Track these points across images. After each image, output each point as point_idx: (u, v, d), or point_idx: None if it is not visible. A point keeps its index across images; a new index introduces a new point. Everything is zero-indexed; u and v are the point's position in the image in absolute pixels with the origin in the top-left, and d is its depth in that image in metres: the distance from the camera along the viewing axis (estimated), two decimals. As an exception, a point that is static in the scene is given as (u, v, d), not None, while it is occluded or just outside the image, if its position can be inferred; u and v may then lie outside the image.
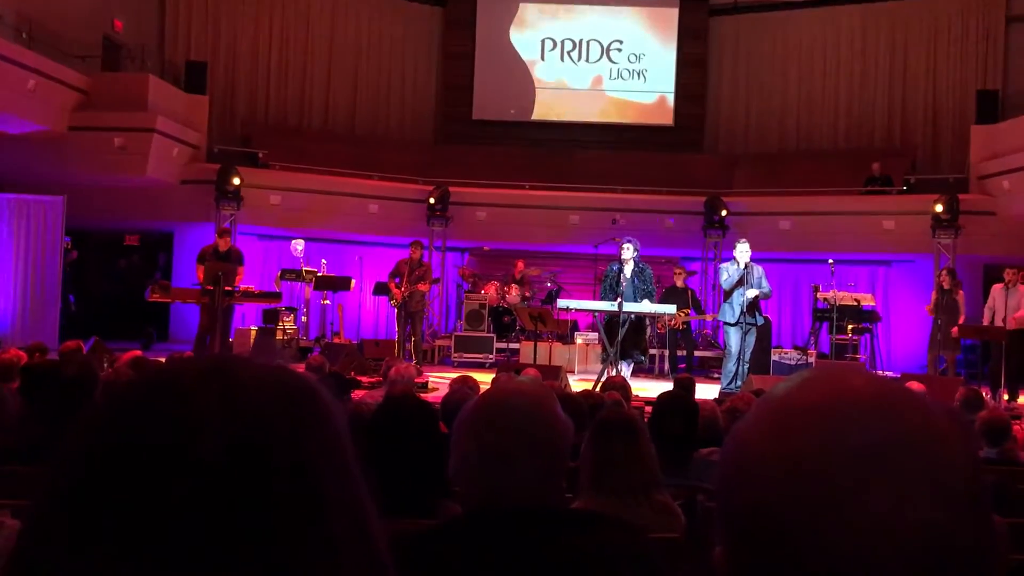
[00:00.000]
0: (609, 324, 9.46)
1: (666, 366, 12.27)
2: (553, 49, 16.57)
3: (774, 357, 11.73)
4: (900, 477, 0.60)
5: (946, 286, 10.83)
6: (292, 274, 12.33)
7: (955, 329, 10.54)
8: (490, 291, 13.25)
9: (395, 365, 4.92)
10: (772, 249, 12.87)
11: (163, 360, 0.81)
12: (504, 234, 14.21)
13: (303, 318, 12.68)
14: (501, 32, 16.53)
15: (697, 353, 12.81)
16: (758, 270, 9.39)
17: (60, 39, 12.20)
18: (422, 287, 11.22)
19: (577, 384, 9.52)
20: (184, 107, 13.60)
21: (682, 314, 11.78)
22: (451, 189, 13.87)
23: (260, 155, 14.28)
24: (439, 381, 9.15)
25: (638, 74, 16.53)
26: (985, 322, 10.31)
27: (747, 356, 9.34)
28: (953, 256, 12.44)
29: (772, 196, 14.09)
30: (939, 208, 12.55)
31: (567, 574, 1.36)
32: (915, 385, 5.97)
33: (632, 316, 9.33)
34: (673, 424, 3.47)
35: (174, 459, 0.57)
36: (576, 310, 10.75)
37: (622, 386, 6.08)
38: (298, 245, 12.91)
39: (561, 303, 10.17)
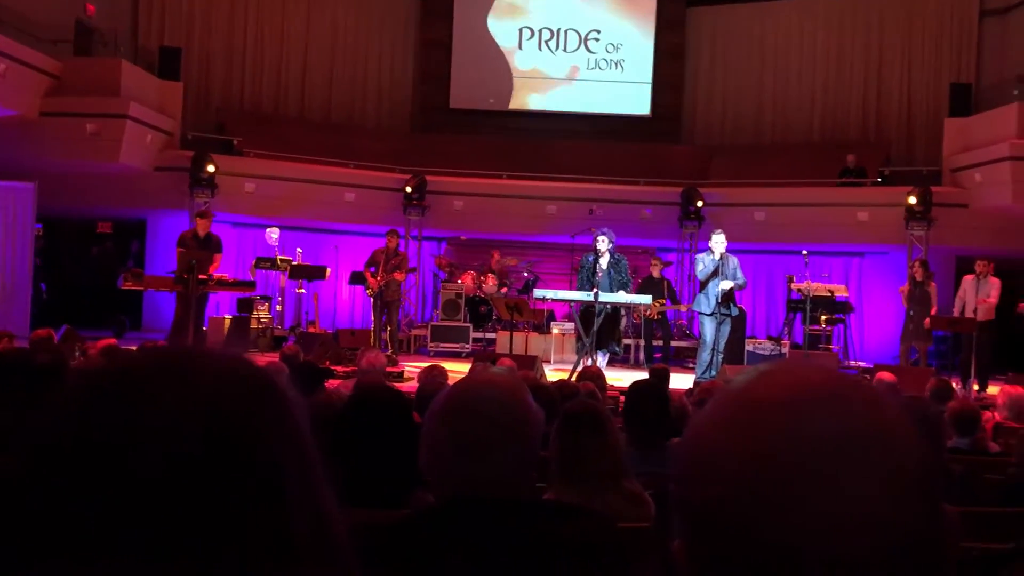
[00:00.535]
0: (585, 314, 9.49)
1: (641, 356, 12.33)
2: (531, 38, 16.54)
3: (748, 347, 11.82)
4: (854, 471, 0.60)
5: (919, 277, 10.94)
6: (267, 263, 12.26)
7: (927, 320, 10.65)
8: (467, 281, 13.24)
9: (367, 355, 4.90)
10: (747, 240, 12.94)
11: (134, 349, 0.80)
12: (481, 224, 14.19)
13: (278, 307, 12.61)
14: (479, 20, 16.47)
15: (673, 343, 12.88)
16: (733, 261, 9.45)
17: (31, 23, 12.01)
18: (398, 276, 11.19)
19: (553, 374, 9.55)
20: (158, 93, 13.45)
21: (657, 304, 11.83)
22: (428, 178, 13.83)
23: (235, 142, 14.16)
24: (415, 370, 9.14)
25: (616, 64, 16.53)
26: (955, 313, 10.42)
27: (721, 346, 9.41)
28: (926, 248, 12.57)
29: (747, 187, 14.16)
30: (912, 200, 12.67)
31: (537, 564, 1.37)
32: (887, 376, 6.04)
33: (608, 306, 9.36)
34: (646, 410, 3.49)
35: (131, 452, 0.56)
36: (552, 300, 10.79)
37: (597, 376, 6.11)
38: (273, 233, 12.83)
39: (537, 293, 10.18)
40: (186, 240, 10.11)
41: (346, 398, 2.90)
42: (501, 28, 16.51)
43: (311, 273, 12.31)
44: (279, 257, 12.33)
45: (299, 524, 0.60)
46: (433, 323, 12.90)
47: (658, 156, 15.33)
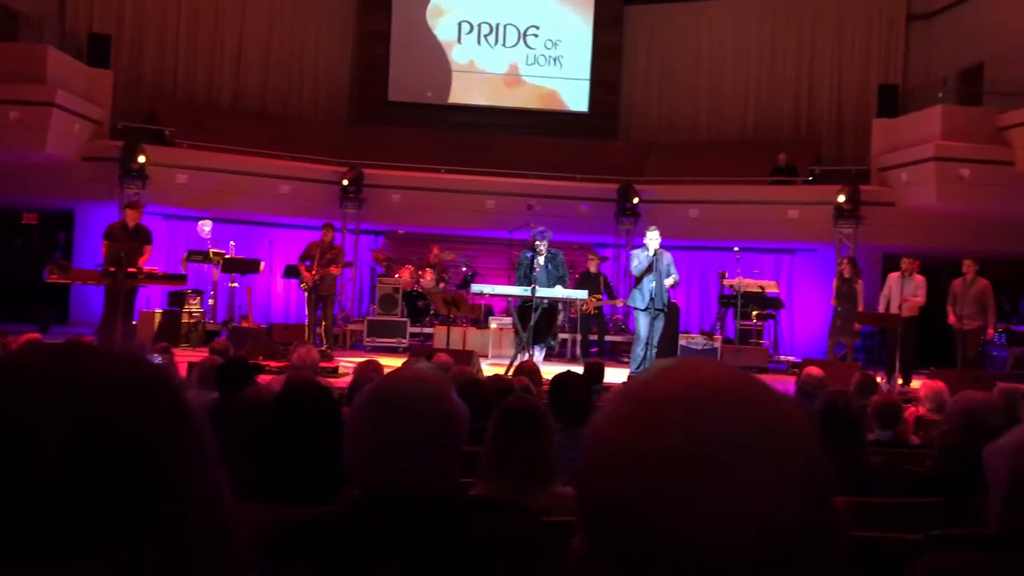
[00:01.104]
0: (522, 309, 9.53)
1: (578, 351, 12.42)
2: (470, 32, 16.50)
3: (681, 342, 11.99)
4: (747, 466, 0.61)
5: (846, 274, 11.20)
6: (199, 256, 12.03)
7: (857, 319, 10.92)
8: (404, 275, 13.16)
9: (299, 350, 4.84)
10: (682, 237, 13.11)
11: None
12: (419, 218, 14.13)
13: (210, 301, 12.39)
14: (417, 13, 16.38)
15: (608, 338, 12.99)
16: (667, 257, 9.56)
17: (-49, 6, 11.61)
18: (334, 270, 11.07)
19: (490, 369, 9.55)
20: (86, 81, 13.09)
21: (594, 299, 11.93)
22: (365, 171, 13.71)
23: (167, 132, 13.85)
24: (351, 366, 9.06)
25: (554, 60, 16.59)
26: (880, 309, 10.69)
27: (655, 341, 9.52)
28: (854, 245, 12.88)
29: (682, 184, 14.34)
30: (841, 199, 12.97)
31: (461, 559, 1.37)
32: (814, 370, 6.18)
33: (545, 301, 9.41)
34: (569, 390, 3.55)
35: (16, 445, 0.55)
36: (490, 295, 10.80)
37: (533, 371, 6.13)
38: (205, 226, 12.60)
39: (475, 288, 10.18)
40: (114, 232, 9.86)
41: (275, 394, 2.87)
42: (440, 21, 16.44)
43: (244, 267, 12.12)
44: (212, 250, 12.12)
45: (195, 524, 0.59)
46: (370, 318, 12.80)
47: (596, 152, 15.43)
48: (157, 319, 11.43)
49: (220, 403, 4.25)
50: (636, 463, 0.63)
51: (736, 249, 11.15)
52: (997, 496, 1.62)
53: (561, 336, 11.78)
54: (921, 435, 5.12)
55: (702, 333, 13.03)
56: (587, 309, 12.18)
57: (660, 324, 9.58)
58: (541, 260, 9.51)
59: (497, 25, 16.52)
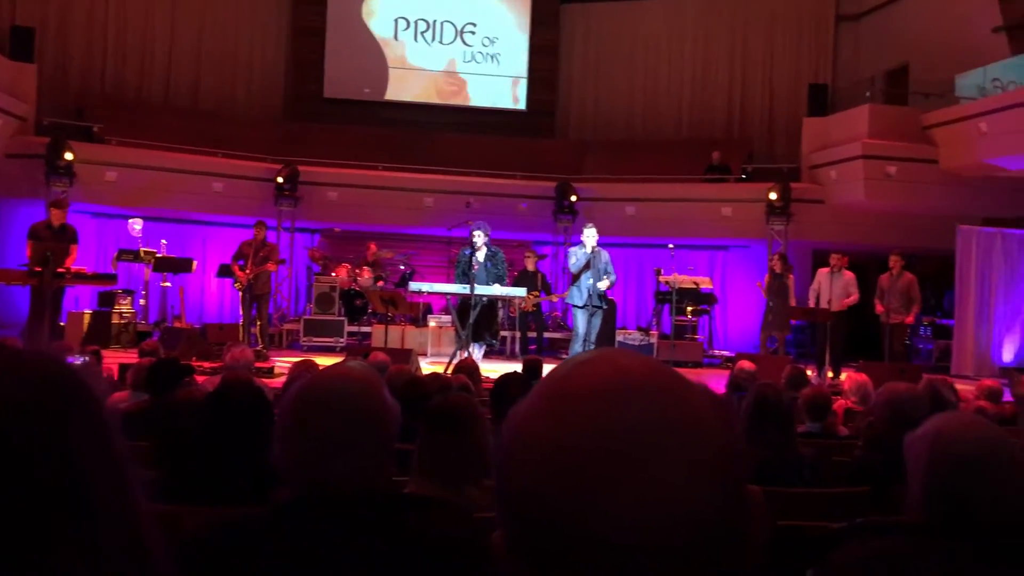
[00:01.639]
0: (461, 307, 9.52)
1: (517, 348, 12.45)
2: (407, 29, 16.41)
3: (619, 338, 12.11)
4: (660, 459, 0.62)
5: (778, 270, 11.42)
6: (130, 255, 11.76)
7: (788, 314, 11.15)
8: (342, 273, 13.04)
9: (232, 350, 4.76)
10: (618, 234, 13.24)
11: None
12: (356, 215, 14.00)
13: (142, 301, 12.11)
14: (353, 9, 16.23)
15: (547, 335, 13.04)
16: (604, 255, 9.65)
17: None
18: (268, 268, 10.93)
19: (429, 367, 9.52)
20: (9, 75, 12.67)
21: (532, 297, 11.97)
22: (301, 168, 13.55)
23: (95, 129, 13.50)
24: (287, 366, 8.96)
25: (492, 58, 16.59)
26: (811, 304, 10.92)
27: (593, 337, 9.61)
28: (785, 242, 13.15)
29: (618, 182, 14.47)
30: (773, 196, 13.23)
31: (390, 556, 1.37)
32: (747, 364, 6.31)
33: (484, 299, 9.41)
34: (509, 390, 3.55)
35: None
36: (429, 293, 10.76)
37: (472, 369, 6.15)
38: (136, 224, 12.31)
39: (414, 286, 10.13)
40: (38, 231, 9.60)
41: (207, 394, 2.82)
42: (376, 17, 16.32)
43: (177, 266, 11.89)
44: (143, 249, 11.85)
45: (105, 529, 0.58)
46: (306, 317, 12.65)
47: (533, 150, 15.48)
48: (86, 320, 11.14)
49: (152, 405, 4.18)
50: (549, 457, 0.63)
51: (671, 246, 11.30)
52: (916, 484, 1.67)
53: (501, 334, 11.80)
54: (850, 426, 5.25)
55: (639, 329, 13.18)
56: (525, 307, 12.23)
57: (598, 320, 9.66)
58: (480, 257, 9.51)
59: (434, 22, 16.46)
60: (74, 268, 9.64)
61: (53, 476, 0.57)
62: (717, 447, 0.64)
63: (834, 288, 10.72)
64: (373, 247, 13.42)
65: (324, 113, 15.84)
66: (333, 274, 13.06)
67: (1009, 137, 11.25)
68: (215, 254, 13.28)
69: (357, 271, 13.01)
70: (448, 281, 11.17)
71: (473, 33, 16.54)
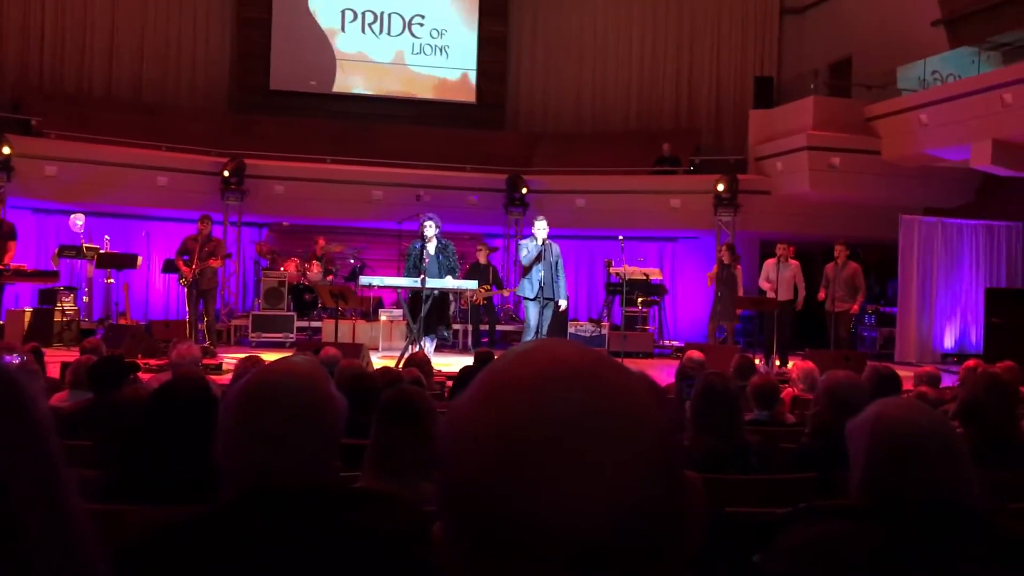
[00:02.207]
0: (413, 301, 9.48)
1: (469, 341, 12.45)
2: (354, 20, 16.26)
3: (571, 330, 12.17)
4: (596, 447, 0.62)
5: (726, 260, 11.57)
6: (71, 251, 11.51)
7: (736, 304, 11.30)
8: (290, 268, 12.90)
9: (178, 346, 4.69)
10: (569, 226, 13.29)
11: None
12: (304, 209, 13.85)
13: (85, 298, 11.86)
14: (299, 0, 16.04)
15: (499, 327, 13.06)
16: (556, 248, 9.66)
17: None
18: (214, 263, 10.76)
19: (380, 361, 9.47)
20: (-59, 67, 12.33)
21: (483, 290, 11.97)
22: (247, 161, 13.36)
23: (33, 122, 13.17)
24: (235, 362, 8.84)
25: (440, 50, 16.52)
26: (770, 295, 11.05)
27: (545, 329, 9.63)
28: (733, 232, 13.31)
29: (568, 175, 14.52)
30: (720, 187, 13.39)
31: (336, 552, 1.36)
32: (695, 354, 6.36)
33: (435, 292, 9.38)
34: (466, 383, 3.53)
35: None
36: (379, 287, 10.70)
37: (423, 362, 6.12)
38: (78, 220, 12.05)
39: (364, 280, 10.06)
40: (-28, 229, 9.35)
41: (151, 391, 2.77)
42: (323, 9, 16.14)
43: (120, 262, 11.66)
44: (85, 245, 11.60)
45: (34, 530, 0.56)
46: (254, 312, 12.50)
47: (483, 143, 15.46)
48: (27, 318, 10.88)
49: (95, 403, 4.09)
50: (486, 445, 0.63)
51: (621, 238, 11.36)
52: (857, 468, 1.71)
53: (453, 327, 11.78)
54: (797, 414, 5.33)
55: (590, 320, 13.25)
56: (477, 300, 12.22)
57: (549, 313, 9.68)
58: (431, 249, 9.47)
59: (382, 13, 16.33)
60: (13, 265, 9.41)
61: None
62: (653, 435, 0.65)
63: (781, 277, 10.89)
64: (322, 241, 13.29)
65: (270, 105, 15.64)
66: (281, 269, 12.91)
67: (948, 128, 11.52)
68: (160, 249, 13.05)
69: (306, 265, 12.88)
70: (399, 275, 11.11)
71: (421, 25, 16.45)
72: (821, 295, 11.06)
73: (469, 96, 16.58)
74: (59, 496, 0.60)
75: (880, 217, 12.78)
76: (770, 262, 11.19)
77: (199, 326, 10.78)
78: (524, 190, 13.99)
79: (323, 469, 1.45)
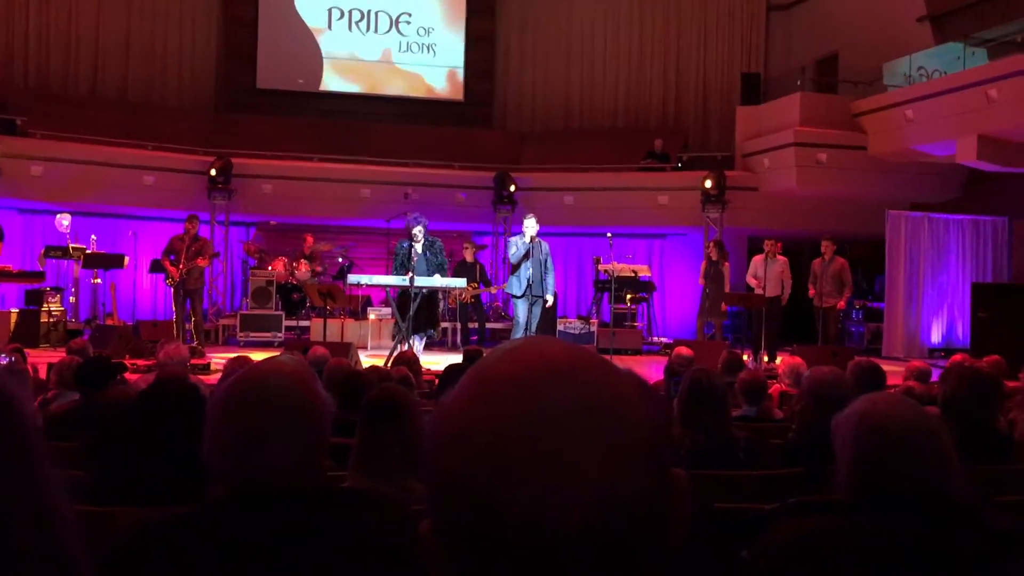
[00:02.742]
0: (401, 299, 9.46)
1: (458, 339, 12.44)
2: (341, 19, 16.22)
3: (559, 327, 12.19)
4: (581, 442, 0.63)
5: (713, 257, 11.59)
6: (58, 251, 11.46)
7: (724, 300, 11.33)
8: (278, 267, 12.85)
9: (166, 346, 4.67)
10: (558, 224, 13.29)
11: None
12: (292, 208, 13.81)
13: (71, 299, 11.81)
14: (286, -1, 16.00)
15: (488, 325, 13.06)
16: (545, 246, 9.67)
17: None
18: (201, 263, 10.72)
19: (369, 360, 9.46)
20: (-75, 67, 12.24)
21: (471, 288, 11.96)
22: (234, 160, 13.31)
23: (18, 122, 13.07)
24: (224, 362, 8.82)
25: (427, 48, 16.50)
26: (757, 291, 11.08)
27: (534, 327, 9.63)
28: (720, 229, 13.34)
29: (557, 172, 14.53)
30: (708, 184, 13.41)
31: (320, 552, 1.36)
32: (684, 350, 6.38)
33: (424, 291, 9.37)
34: (453, 380, 3.53)
35: None
36: (368, 285, 10.67)
37: (411, 361, 6.11)
38: (64, 220, 11.99)
39: (352, 279, 10.03)
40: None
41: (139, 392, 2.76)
42: (309, 7, 16.09)
43: (107, 262, 11.61)
44: (71, 245, 11.55)
45: (20, 531, 0.56)
46: (243, 312, 12.45)
47: (471, 141, 15.45)
48: (13, 319, 10.82)
49: (82, 404, 4.08)
50: (473, 440, 0.64)
51: (609, 235, 11.38)
52: (844, 463, 1.72)
53: (442, 325, 11.77)
54: (784, 409, 5.35)
55: (579, 318, 13.26)
56: (464, 298, 12.21)
57: (538, 310, 9.69)
58: (419, 248, 9.46)
59: (369, 12, 16.29)
60: (-1, 266, 9.36)
61: None
62: (640, 432, 0.65)
63: (769, 273, 10.92)
64: (310, 240, 13.26)
65: (257, 104, 15.59)
66: (269, 268, 12.87)
67: (934, 124, 11.58)
68: (147, 249, 12.99)
69: (294, 264, 12.84)
70: (387, 273, 11.09)
71: (408, 23, 16.42)
72: (811, 291, 11.10)
73: (457, 94, 16.56)
74: (45, 497, 0.60)
75: (867, 212, 12.83)
76: (758, 258, 11.22)
77: (186, 326, 10.74)
78: (512, 188, 13.98)
79: (311, 469, 1.45)
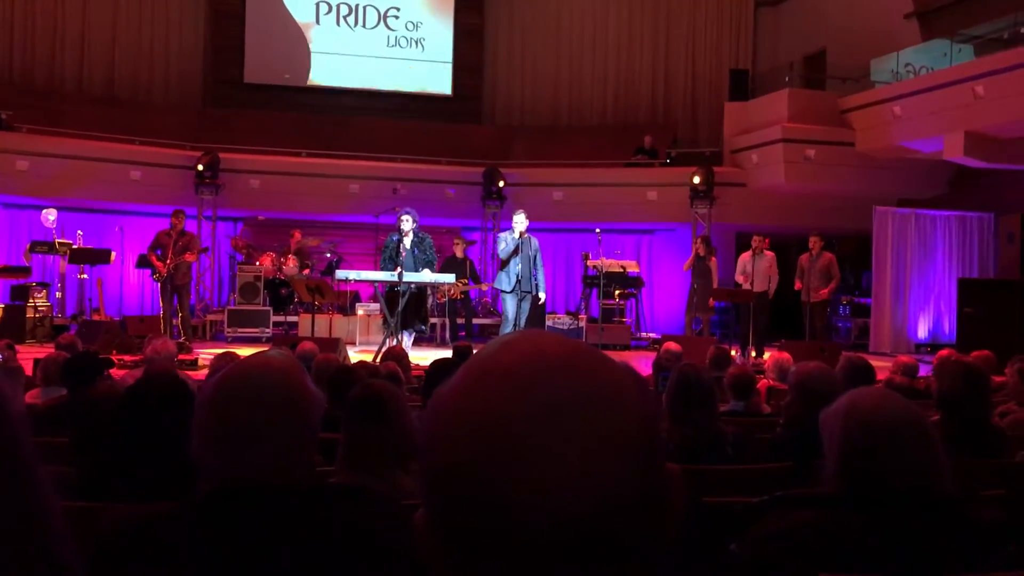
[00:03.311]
0: (390, 295, 9.45)
1: (447, 335, 12.43)
2: (329, 13, 16.16)
3: (548, 323, 12.19)
4: (578, 433, 0.63)
5: (701, 253, 11.62)
6: (44, 246, 11.40)
7: (712, 295, 11.35)
8: (266, 262, 12.81)
9: (153, 342, 4.65)
10: (547, 219, 13.29)
11: None
12: (280, 203, 13.76)
13: (58, 294, 11.75)
14: (273, -7, 15.92)
15: (477, 321, 13.05)
16: (534, 242, 9.67)
17: None
18: (188, 258, 10.67)
19: (357, 356, 9.45)
20: (-92, 61, 12.13)
21: (460, 284, 11.96)
22: (221, 155, 13.25)
23: (4, 116, 12.98)
24: (211, 358, 8.78)
25: (416, 43, 16.46)
26: (745, 287, 11.10)
27: (523, 322, 9.64)
28: (709, 225, 13.37)
29: (546, 168, 14.52)
30: (696, 180, 13.43)
31: (309, 548, 1.35)
32: (672, 346, 6.39)
33: (412, 286, 9.36)
34: (440, 376, 3.53)
35: None
36: (356, 281, 10.66)
37: (400, 356, 6.11)
38: (50, 215, 11.93)
39: (340, 274, 10.02)
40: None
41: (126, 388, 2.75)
42: (297, 1, 16.02)
43: (94, 257, 11.55)
44: (57, 240, 11.50)
45: (9, 528, 0.56)
46: (230, 307, 12.41)
47: (460, 136, 15.42)
48: (-2, 314, 10.77)
49: (69, 399, 4.06)
50: (468, 432, 0.64)
51: (598, 231, 11.40)
52: (831, 457, 1.73)
53: (431, 320, 11.77)
54: (772, 404, 5.36)
55: (568, 313, 13.28)
56: (453, 294, 12.21)
57: (527, 305, 9.69)
58: (408, 243, 9.45)
59: (357, 6, 16.24)
60: (-16, 261, 9.30)
61: None
62: (635, 424, 0.65)
63: (757, 269, 10.95)
64: (298, 235, 13.22)
65: (245, 99, 15.52)
66: (257, 263, 12.82)
67: (921, 120, 11.63)
68: (134, 244, 12.92)
69: (282, 260, 12.81)
70: (376, 268, 11.07)
71: (396, 18, 16.38)
72: (797, 285, 11.13)
73: (445, 89, 16.53)
74: (35, 494, 0.59)
75: (854, 209, 12.88)
76: (745, 255, 11.24)
77: (174, 321, 10.70)
78: (501, 183, 13.97)
79: (299, 464, 1.44)
